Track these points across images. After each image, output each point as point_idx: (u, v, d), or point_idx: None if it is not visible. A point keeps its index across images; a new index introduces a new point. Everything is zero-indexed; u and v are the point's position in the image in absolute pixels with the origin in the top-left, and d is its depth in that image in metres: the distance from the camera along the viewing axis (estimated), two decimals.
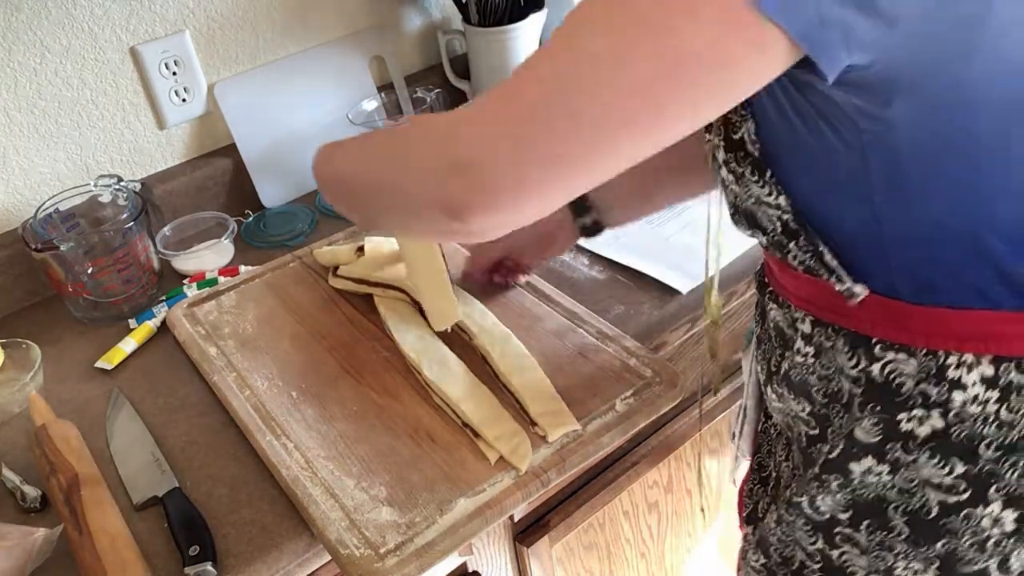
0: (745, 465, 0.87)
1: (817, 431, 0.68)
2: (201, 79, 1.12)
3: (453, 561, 0.84)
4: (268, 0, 1.14)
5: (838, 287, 0.61)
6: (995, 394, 0.57)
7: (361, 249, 0.96)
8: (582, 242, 0.90)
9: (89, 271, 0.95)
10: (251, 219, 1.15)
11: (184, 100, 1.12)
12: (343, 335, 0.90)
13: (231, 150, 1.16)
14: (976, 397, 0.58)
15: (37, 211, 0.98)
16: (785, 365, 0.70)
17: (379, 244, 0.96)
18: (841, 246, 0.61)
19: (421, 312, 0.89)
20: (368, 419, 0.80)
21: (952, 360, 0.58)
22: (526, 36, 1.25)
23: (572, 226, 0.87)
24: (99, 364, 0.92)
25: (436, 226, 0.58)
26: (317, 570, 0.74)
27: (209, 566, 0.68)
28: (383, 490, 0.72)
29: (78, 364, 0.94)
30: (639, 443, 1.02)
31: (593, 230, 0.87)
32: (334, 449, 0.77)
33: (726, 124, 0.61)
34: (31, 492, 0.76)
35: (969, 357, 0.58)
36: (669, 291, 0.94)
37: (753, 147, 0.60)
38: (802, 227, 0.61)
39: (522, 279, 0.95)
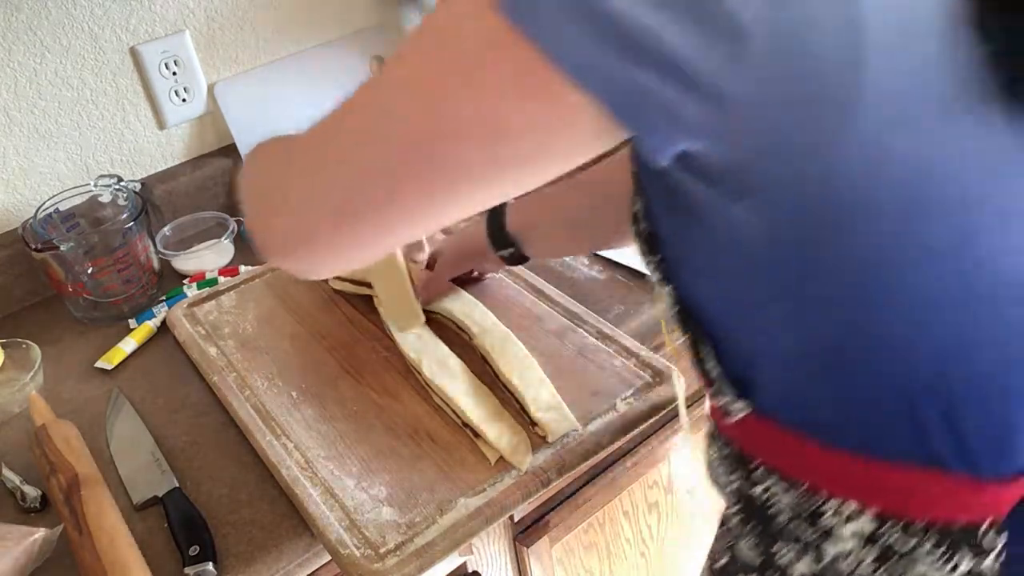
0: None
1: (723, 527, 0.63)
2: (201, 79, 1.12)
3: (453, 561, 0.84)
4: (268, 0, 1.14)
5: (718, 401, 0.55)
6: (873, 553, 0.51)
7: None
8: None
9: (89, 271, 0.95)
10: None
11: (184, 100, 1.11)
12: (343, 335, 0.90)
13: (231, 150, 1.16)
14: (851, 551, 0.51)
15: (37, 211, 0.98)
16: (712, 454, 0.65)
17: None
18: (727, 352, 0.54)
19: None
20: (368, 419, 0.80)
21: (830, 506, 0.51)
22: None
23: (495, 256, 0.85)
24: (99, 364, 0.92)
25: None
26: (317, 570, 0.74)
27: (209, 566, 0.68)
28: (383, 490, 0.72)
29: (78, 364, 0.94)
30: (639, 443, 1.02)
31: (515, 260, 0.84)
32: (334, 449, 0.77)
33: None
34: (31, 492, 0.76)
35: (851, 506, 0.50)
36: None
37: (643, 225, 0.54)
38: (685, 323, 0.55)
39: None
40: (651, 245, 0.54)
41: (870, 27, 0.36)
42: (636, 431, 0.79)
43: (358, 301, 0.95)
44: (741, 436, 0.57)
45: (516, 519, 0.91)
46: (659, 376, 0.81)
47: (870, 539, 0.50)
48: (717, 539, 0.65)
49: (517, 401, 0.79)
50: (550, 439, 0.76)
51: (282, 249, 0.55)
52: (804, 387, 0.51)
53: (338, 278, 0.96)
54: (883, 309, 0.45)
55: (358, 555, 0.67)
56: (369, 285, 0.93)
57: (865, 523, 0.50)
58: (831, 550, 0.52)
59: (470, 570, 0.86)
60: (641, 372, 0.82)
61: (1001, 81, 0.38)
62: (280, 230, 0.55)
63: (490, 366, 0.83)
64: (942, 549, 0.49)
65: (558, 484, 0.77)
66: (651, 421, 0.80)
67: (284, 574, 0.70)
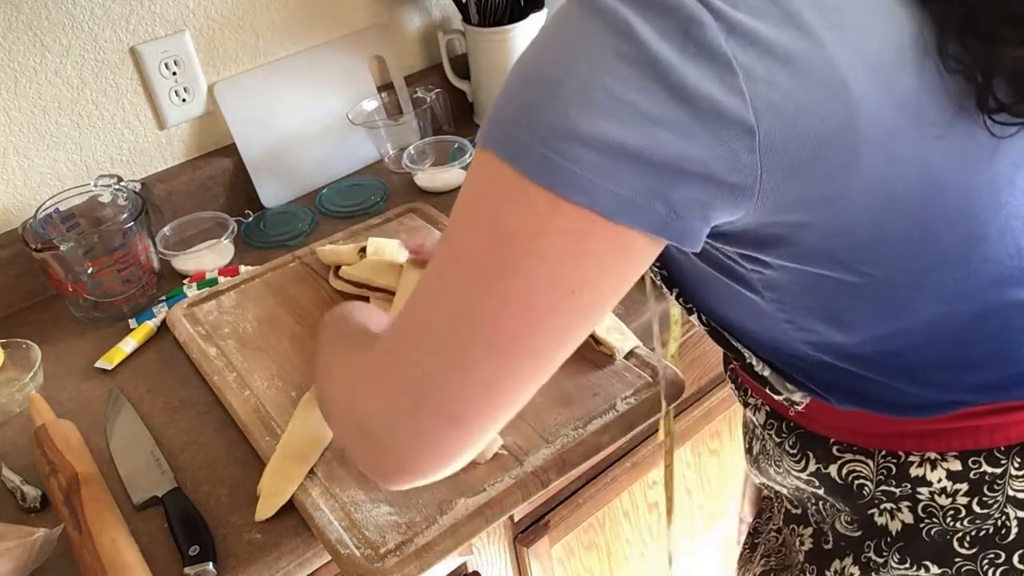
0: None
1: (799, 511, 0.66)
2: (201, 79, 1.12)
3: (453, 561, 0.84)
4: (268, 0, 1.14)
5: (776, 398, 0.59)
6: (964, 485, 0.54)
7: (363, 250, 0.96)
8: None
9: (89, 271, 0.95)
10: (251, 219, 1.15)
11: (184, 100, 1.11)
12: None
13: (231, 150, 1.16)
14: (944, 489, 0.55)
15: (37, 211, 0.98)
16: (756, 447, 0.69)
17: (381, 245, 0.96)
18: (768, 358, 0.59)
19: None
20: None
21: (914, 459, 0.55)
22: (526, 36, 1.25)
23: None
24: (99, 364, 0.92)
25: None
26: (317, 570, 0.74)
27: (209, 566, 0.68)
28: (383, 490, 0.72)
29: (78, 364, 0.94)
30: (639, 443, 1.02)
31: None
32: (333, 449, 0.77)
33: None
34: (31, 492, 0.76)
35: (932, 455, 0.55)
36: None
37: (656, 271, 0.60)
38: (721, 341, 0.60)
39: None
40: (667, 283, 0.60)
41: (851, 79, 0.41)
42: (636, 431, 0.79)
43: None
44: (808, 421, 0.60)
45: (516, 519, 0.91)
46: (659, 376, 0.81)
47: (958, 475, 0.54)
48: (791, 532, 0.67)
49: None
50: (617, 357, 0.81)
51: (445, 456, 0.49)
52: (850, 381, 0.55)
53: (339, 278, 0.96)
54: (914, 311, 0.50)
55: (358, 555, 0.67)
56: (369, 286, 0.93)
57: (951, 463, 0.54)
58: (924, 492, 0.55)
59: (470, 570, 0.86)
60: (641, 372, 0.82)
61: (973, 96, 0.43)
62: (428, 441, 0.49)
63: None
64: None
65: (558, 484, 0.77)
66: (651, 421, 0.80)
67: (284, 574, 0.70)
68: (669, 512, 0.83)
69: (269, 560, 0.70)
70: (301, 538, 0.71)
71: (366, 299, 0.94)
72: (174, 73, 1.09)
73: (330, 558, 0.72)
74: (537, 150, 0.41)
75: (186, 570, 0.68)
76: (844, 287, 0.48)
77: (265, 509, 0.72)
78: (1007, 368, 0.53)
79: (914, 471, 0.55)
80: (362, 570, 0.66)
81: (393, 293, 0.92)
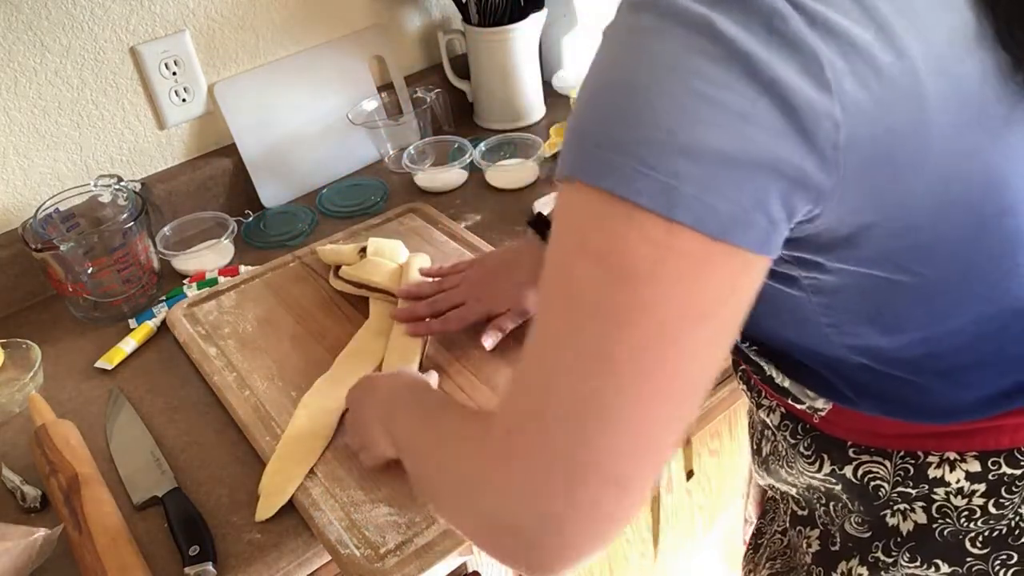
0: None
1: (806, 512, 0.66)
2: (201, 79, 1.12)
3: (453, 561, 0.84)
4: (268, 0, 1.14)
5: (799, 407, 0.59)
6: (983, 486, 0.54)
7: (364, 250, 0.96)
8: None
9: (89, 271, 0.95)
10: (251, 219, 1.15)
11: (184, 100, 1.11)
12: (343, 335, 0.90)
13: (231, 150, 1.16)
14: (961, 490, 0.54)
15: (37, 211, 0.98)
16: (767, 448, 0.68)
17: (381, 245, 0.96)
18: (793, 365, 0.58)
19: None
20: None
21: (933, 459, 0.55)
22: (526, 36, 1.25)
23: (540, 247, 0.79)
24: (99, 364, 0.92)
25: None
26: (317, 570, 0.74)
27: (209, 566, 0.68)
28: (383, 490, 0.72)
29: (78, 364, 0.94)
30: None
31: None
32: (333, 449, 0.76)
33: None
34: (31, 492, 0.76)
35: (951, 455, 0.54)
36: None
37: None
38: (740, 355, 0.59)
39: (490, 339, 0.85)
40: None
41: (923, 73, 0.40)
42: None
43: (358, 301, 0.95)
44: (826, 424, 0.58)
45: None
46: None
47: (977, 476, 0.53)
48: (796, 534, 0.66)
49: None
50: None
51: (611, 522, 0.44)
52: (881, 385, 0.54)
53: (339, 278, 0.96)
54: (952, 318, 0.50)
55: (358, 555, 0.67)
56: (369, 286, 0.93)
57: (970, 464, 0.53)
58: (940, 493, 0.54)
59: (470, 570, 0.86)
60: None
61: None
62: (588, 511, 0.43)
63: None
64: None
65: None
66: None
67: (284, 574, 0.70)
68: (655, 542, 0.78)
69: (269, 560, 0.70)
70: (301, 538, 0.71)
71: (366, 299, 0.94)
72: (174, 73, 1.09)
73: (330, 558, 0.72)
74: (632, 167, 0.38)
75: (186, 570, 0.68)
76: (896, 288, 0.47)
77: (265, 509, 0.72)
78: None
79: (932, 472, 0.55)
80: (362, 570, 0.66)
81: (392, 293, 0.91)
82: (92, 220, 1.02)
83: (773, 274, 0.48)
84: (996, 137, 0.44)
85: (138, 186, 1.02)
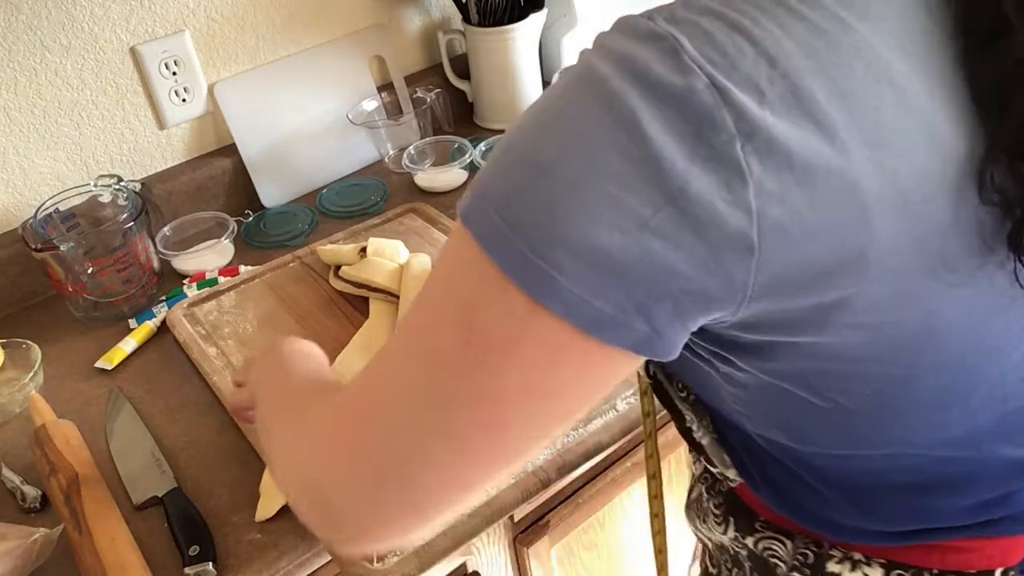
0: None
1: (716, 572, 0.64)
2: (201, 79, 1.12)
3: (453, 561, 0.84)
4: (268, 0, 1.14)
5: (712, 469, 0.57)
6: None
7: (363, 250, 0.96)
8: None
9: (89, 271, 0.95)
10: (251, 219, 1.15)
11: (184, 100, 1.11)
12: (343, 335, 0.90)
13: (231, 150, 1.16)
14: None
15: (37, 211, 0.98)
16: (693, 494, 0.66)
17: (381, 245, 0.96)
18: (718, 425, 0.56)
19: None
20: None
21: (836, 554, 0.52)
22: (526, 36, 1.25)
23: None
24: (99, 364, 0.92)
25: None
26: (317, 570, 0.74)
27: (209, 566, 0.68)
28: None
29: (78, 364, 0.94)
30: (639, 443, 1.02)
31: None
32: None
33: None
34: (31, 492, 0.76)
35: (857, 555, 0.51)
36: None
37: None
38: (663, 398, 0.57)
39: None
40: None
41: (875, 207, 0.37)
42: (636, 431, 0.79)
43: (358, 301, 0.95)
44: (742, 490, 0.57)
45: (516, 519, 0.91)
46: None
47: None
48: None
49: None
50: None
51: (401, 533, 0.46)
52: (799, 488, 0.52)
53: (339, 278, 0.96)
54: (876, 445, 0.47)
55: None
56: (369, 286, 0.93)
57: (873, 571, 0.50)
58: None
59: (470, 570, 0.86)
60: (641, 372, 0.82)
61: (1008, 230, 0.39)
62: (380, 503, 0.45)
63: None
64: None
65: (558, 484, 0.77)
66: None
67: (284, 574, 0.70)
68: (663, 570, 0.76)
69: (269, 560, 0.70)
70: (301, 538, 0.71)
71: (366, 299, 0.94)
72: (174, 73, 1.09)
73: (330, 558, 0.72)
74: (519, 248, 0.37)
75: (186, 570, 0.68)
76: (808, 406, 0.45)
77: (265, 509, 0.72)
78: (969, 497, 0.48)
79: (832, 566, 0.52)
80: (362, 570, 0.66)
81: (392, 293, 0.91)
82: (92, 220, 1.02)
83: (688, 349, 0.47)
84: (949, 291, 0.40)
85: (138, 186, 1.02)
